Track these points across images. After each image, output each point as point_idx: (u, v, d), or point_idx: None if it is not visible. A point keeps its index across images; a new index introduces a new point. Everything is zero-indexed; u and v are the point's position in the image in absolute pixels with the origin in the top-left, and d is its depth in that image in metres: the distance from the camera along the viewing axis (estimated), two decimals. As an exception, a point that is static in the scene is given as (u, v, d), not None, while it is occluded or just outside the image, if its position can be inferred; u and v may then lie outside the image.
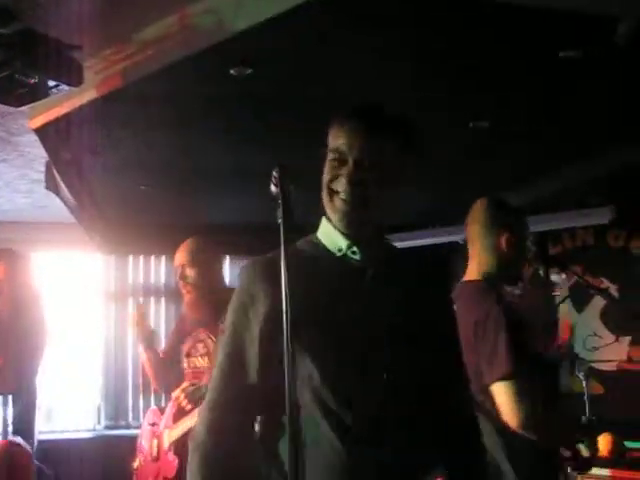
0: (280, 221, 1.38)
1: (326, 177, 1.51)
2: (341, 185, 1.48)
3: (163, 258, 5.86)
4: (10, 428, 4.25)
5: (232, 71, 2.65)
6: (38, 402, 4.73)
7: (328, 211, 1.54)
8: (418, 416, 1.51)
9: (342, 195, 1.48)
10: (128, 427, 5.65)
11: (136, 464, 3.28)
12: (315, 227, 1.61)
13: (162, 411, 3.29)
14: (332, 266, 1.54)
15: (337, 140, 1.50)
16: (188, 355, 3.25)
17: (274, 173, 1.40)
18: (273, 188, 1.40)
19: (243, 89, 2.85)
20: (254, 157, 3.42)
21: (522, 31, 2.48)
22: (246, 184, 3.95)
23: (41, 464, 4.69)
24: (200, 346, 3.22)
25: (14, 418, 4.40)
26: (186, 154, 3.76)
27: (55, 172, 3.47)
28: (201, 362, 3.20)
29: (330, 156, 1.51)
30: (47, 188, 3.54)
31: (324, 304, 1.49)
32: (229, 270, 5.82)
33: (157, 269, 5.93)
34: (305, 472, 1.34)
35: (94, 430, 5.68)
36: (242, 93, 2.90)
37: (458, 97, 3.11)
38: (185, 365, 3.26)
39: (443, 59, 2.71)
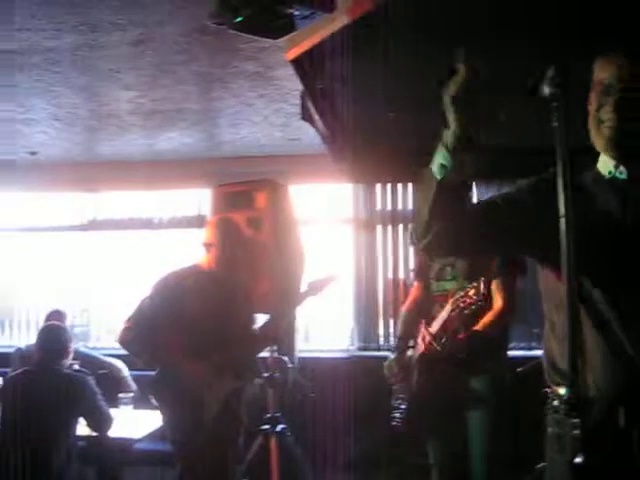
0: (556, 125, 1.32)
1: (593, 106, 1.63)
2: (606, 113, 1.58)
3: (409, 185, 5.89)
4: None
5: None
6: (298, 324, 5.10)
7: (594, 138, 1.65)
8: None
9: (607, 123, 1.59)
10: (378, 349, 5.86)
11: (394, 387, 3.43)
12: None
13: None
14: (604, 188, 1.65)
15: (604, 72, 1.60)
16: (438, 279, 3.28)
17: (549, 73, 1.33)
18: (546, 90, 1.33)
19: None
20: (505, 73, 3.25)
21: None
22: (498, 104, 3.79)
23: (301, 377, 5.09)
24: (449, 269, 3.24)
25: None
26: (433, 78, 3.67)
27: (309, 103, 3.59)
28: (449, 286, 3.22)
29: (597, 87, 1.62)
30: (303, 119, 3.68)
31: (599, 223, 1.59)
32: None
33: (404, 196, 5.98)
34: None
35: (347, 351, 5.98)
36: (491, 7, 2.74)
37: None
38: (434, 288, 3.30)
39: None
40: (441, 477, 3.32)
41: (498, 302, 3.12)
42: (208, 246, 3.50)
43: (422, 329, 3.22)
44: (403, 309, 3.57)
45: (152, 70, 3.66)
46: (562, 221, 1.33)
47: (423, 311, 3.38)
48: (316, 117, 3.78)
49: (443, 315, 3.04)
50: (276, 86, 3.98)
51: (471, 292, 2.84)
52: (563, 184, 1.31)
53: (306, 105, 3.61)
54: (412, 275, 3.70)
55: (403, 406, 3.34)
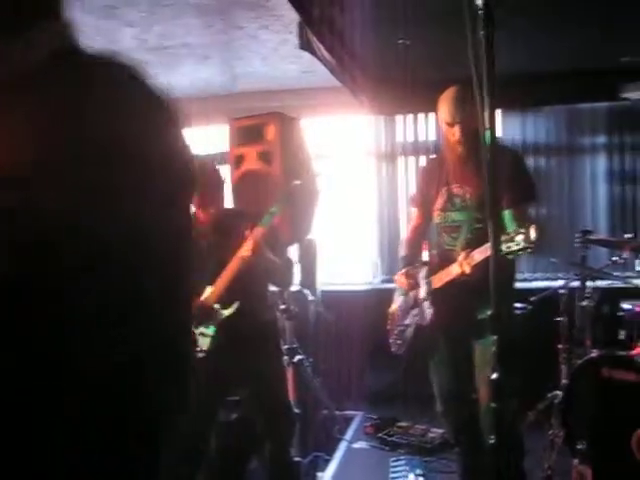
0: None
1: None
2: None
3: (431, 115, 5.76)
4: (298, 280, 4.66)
5: None
6: (320, 257, 5.11)
7: None
8: None
9: None
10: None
11: (392, 309, 3.40)
12: None
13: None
14: None
15: None
16: (444, 209, 3.16)
17: None
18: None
19: None
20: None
21: None
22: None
23: (323, 310, 5.12)
24: (457, 200, 3.09)
25: (300, 271, 4.82)
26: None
27: (309, 31, 3.49)
28: (459, 217, 3.08)
29: None
30: (301, 48, 3.59)
31: None
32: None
33: (426, 127, 5.87)
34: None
35: (371, 284, 5.99)
36: None
37: None
38: (439, 219, 3.16)
39: None
40: (446, 407, 3.29)
41: None
42: None
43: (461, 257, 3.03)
44: (405, 240, 3.47)
45: (148, 4, 3.62)
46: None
47: (424, 239, 3.35)
48: (319, 46, 3.68)
49: (480, 252, 2.81)
50: (277, 17, 3.89)
51: (518, 237, 2.57)
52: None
53: (306, 34, 3.52)
54: (411, 202, 3.55)
55: (400, 329, 3.32)
